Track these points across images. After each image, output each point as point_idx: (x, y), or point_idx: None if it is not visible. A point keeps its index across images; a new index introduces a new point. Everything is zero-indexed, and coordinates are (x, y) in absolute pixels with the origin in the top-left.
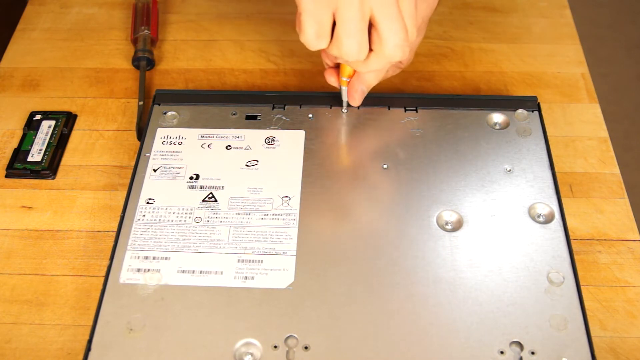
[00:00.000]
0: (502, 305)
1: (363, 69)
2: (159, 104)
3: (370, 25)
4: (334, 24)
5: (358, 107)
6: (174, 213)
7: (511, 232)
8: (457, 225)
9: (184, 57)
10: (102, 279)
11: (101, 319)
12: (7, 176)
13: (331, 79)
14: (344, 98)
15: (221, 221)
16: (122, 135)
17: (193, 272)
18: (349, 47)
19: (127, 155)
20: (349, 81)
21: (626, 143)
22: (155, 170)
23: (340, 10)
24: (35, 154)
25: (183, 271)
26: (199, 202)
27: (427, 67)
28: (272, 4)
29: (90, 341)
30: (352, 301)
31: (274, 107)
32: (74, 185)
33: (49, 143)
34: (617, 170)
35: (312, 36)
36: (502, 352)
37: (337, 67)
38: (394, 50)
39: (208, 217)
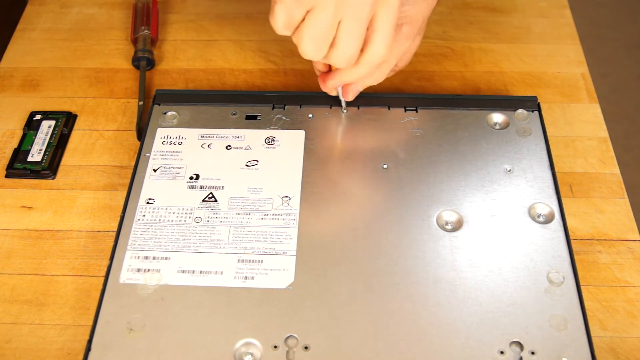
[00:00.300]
0: (502, 305)
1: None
2: (159, 104)
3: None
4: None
5: (358, 107)
6: (174, 213)
7: (511, 232)
8: (457, 225)
9: (184, 57)
10: (102, 279)
11: (101, 319)
12: (7, 176)
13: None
14: (342, 97)
15: (221, 221)
16: (122, 135)
17: (193, 272)
18: (308, 47)
19: (127, 155)
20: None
21: (626, 143)
22: (155, 170)
23: (314, 12)
24: (35, 154)
25: (183, 271)
26: (199, 202)
27: (427, 67)
28: None
29: (90, 341)
30: (352, 301)
31: (274, 107)
32: (74, 185)
33: (49, 143)
34: (617, 170)
35: (280, 26)
36: (502, 352)
37: (329, 71)
38: (342, 61)
39: (208, 217)
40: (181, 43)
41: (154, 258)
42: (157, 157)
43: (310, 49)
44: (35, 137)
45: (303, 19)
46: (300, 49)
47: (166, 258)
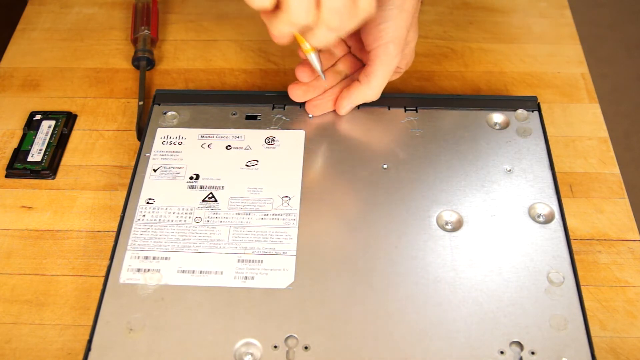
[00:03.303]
0: (502, 305)
1: (311, 36)
2: (159, 104)
3: None
4: None
5: (358, 107)
6: (174, 213)
7: (511, 232)
8: (457, 225)
9: (184, 57)
10: (102, 279)
11: (101, 319)
12: (7, 176)
13: (303, 75)
14: (317, 66)
15: (221, 221)
16: (122, 135)
17: (193, 272)
18: (299, 5)
19: (127, 155)
20: (313, 50)
21: (626, 143)
22: (155, 170)
23: None
24: (35, 154)
25: (183, 271)
26: (199, 202)
27: (427, 67)
28: None
29: (90, 341)
30: (352, 301)
31: (274, 107)
32: (74, 185)
33: (49, 143)
34: (617, 170)
35: None
36: (502, 352)
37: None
38: (331, 14)
39: (208, 217)
40: (181, 43)
41: (154, 258)
42: (157, 157)
43: (303, 5)
44: (35, 137)
45: None
46: (290, 11)
47: (166, 258)
